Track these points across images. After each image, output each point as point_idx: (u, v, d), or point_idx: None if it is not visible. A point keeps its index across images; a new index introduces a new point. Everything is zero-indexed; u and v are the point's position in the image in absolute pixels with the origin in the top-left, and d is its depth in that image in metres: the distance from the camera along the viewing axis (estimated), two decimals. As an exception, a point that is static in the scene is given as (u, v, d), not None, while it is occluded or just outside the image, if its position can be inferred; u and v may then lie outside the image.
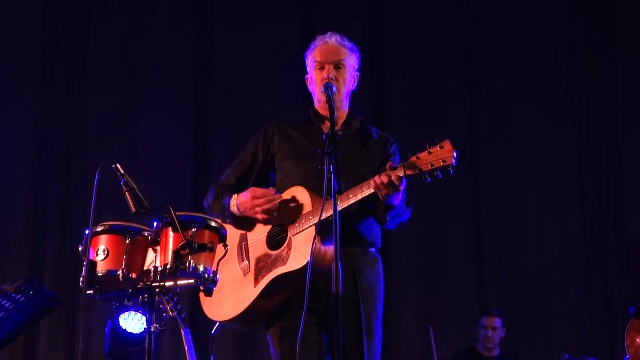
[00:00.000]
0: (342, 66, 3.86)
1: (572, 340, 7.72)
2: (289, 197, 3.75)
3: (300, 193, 3.70)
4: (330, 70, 3.83)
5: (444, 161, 3.40)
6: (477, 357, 7.37)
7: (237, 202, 3.79)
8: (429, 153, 3.43)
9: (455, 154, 3.41)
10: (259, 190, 3.76)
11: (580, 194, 8.07)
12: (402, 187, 3.50)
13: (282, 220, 3.73)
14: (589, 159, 8.11)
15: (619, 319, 7.46)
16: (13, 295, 4.43)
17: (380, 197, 3.51)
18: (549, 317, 7.86)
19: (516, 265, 7.99)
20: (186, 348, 4.89)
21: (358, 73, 3.97)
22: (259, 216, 3.74)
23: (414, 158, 3.46)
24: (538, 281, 7.88)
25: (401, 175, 3.45)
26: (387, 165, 3.51)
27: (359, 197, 3.55)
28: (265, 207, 3.70)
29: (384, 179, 3.45)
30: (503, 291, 7.96)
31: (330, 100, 3.63)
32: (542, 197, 8.03)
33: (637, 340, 4.46)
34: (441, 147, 3.42)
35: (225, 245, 3.36)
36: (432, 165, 3.41)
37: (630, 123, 7.98)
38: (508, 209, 8.09)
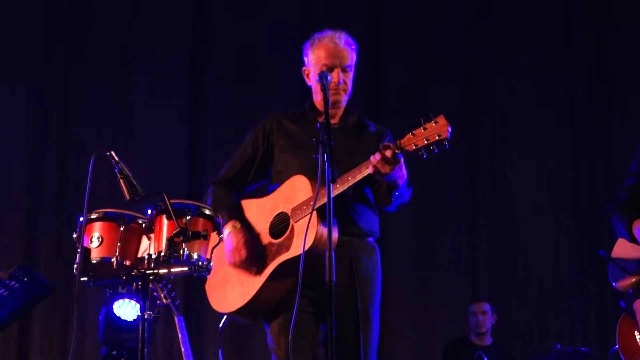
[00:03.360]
0: (349, 70, 3.89)
1: (564, 331, 7.75)
2: (289, 186, 3.77)
3: (300, 181, 3.72)
4: (340, 73, 3.85)
5: (439, 135, 3.42)
6: (470, 347, 7.38)
7: (230, 232, 3.76)
8: (424, 129, 3.46)
9: (450, 128, 3.43)
10: (245, 250, 3.73)
11: (574, 187, 8.10)
12: (401, 161, 3.52)
13: (284, 208, 3.75)
14: (584, 154, 8.15)
15: (610, 310, 7.49)
16: (7, 282, 4.43)
17: (381, 175, 3.53)
18: (541, 308, 7.89)
19: (510, 258, 8.02)
20: (180, 335, 4.90)
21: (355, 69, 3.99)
22: (227, 261, 3.75)
23: (409, 135, 3.48)
24: (531, 273, 7.91)
25: (397, 151, 3.47)
26: (383, 145, 3.53)
27: (359, 178, 3.57)
28: (238, 265, 3.72)
29: (380, 156, 3.47)
30: (496, 283, 7.99)
31: (325, 89, 3.63)
32: (536, 191, 8.04)
33: (627, 336, 4.48)
34: (436, 123, 3.45)
35: (219, 234, 3.37)
36: (427, 140, 3.44)
37: (625, 117, 7.98)
38: (503, 202, 8.11)
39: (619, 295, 4.28)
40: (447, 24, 8.30)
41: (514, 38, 8.20)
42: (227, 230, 3.76)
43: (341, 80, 3.84)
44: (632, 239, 3.82)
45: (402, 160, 3.52)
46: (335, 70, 3.84)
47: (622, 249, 4.00)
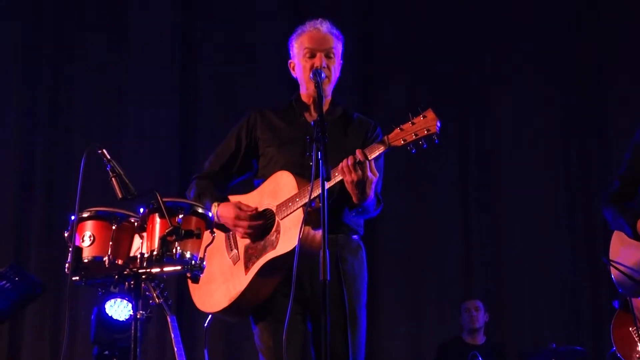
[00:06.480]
0: (332, 55, 3.83)
1: (558, 330, 7.74)
2: (273, 182, 3.72)
3: (285, 177, 3.67)
4: (322, 58, 3.79)
5: (428, 130, 3.38)
6: (463, 346, 7.37)
7: (217, 212, 3.74)
8: (413, 124, 3.41)
9: (439, 123, 3.38)
10: (243, 211, 3.69)
11: (567, 186, 8.08)
12: (367, 172, 3.44)
13: (269, 205, 3.70)
14: (576, 140, 8.13)
15: (605, 308, 7.48)
16: (-2, 281, 4.41)
17: (348, 188, 3.47)
18: (535, 307, 7.88)
19: (502, 255, 8.00)
20: (172, 335, 4.88)
21: (342, 61, 3.94)
22: (239, 235, 3.71)
23: (397, 130, 3.44)
24: (524, 270, 7.90)
25: (362, 159, 3.40)
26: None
27: (332, 183, 3.49)
28: (248, 231, 3.67)
29: (351, 160, 3.42)
30: (489, 280, 7.97)
31: (319, 87, 3.60)
32: (529, 190, 8.01)
33: (623, 333, 4.47)
34: (424, 117, 3.40)
35: (212, 232, 3.33)
36: (416, 135, 3.39)
37: (620, 116, 7.97)
38: (495, 201, 8.09)
39: (614, 295, 4.26)
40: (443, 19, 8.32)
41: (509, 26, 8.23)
42: (213, 211, 3.71)
43: (324, 64, 3.77)
44: (635, 236, 3.78)
45: (370, 175, 3.44)
46: (318, 55, 3.79)
47: (620, 245, 3.96)
